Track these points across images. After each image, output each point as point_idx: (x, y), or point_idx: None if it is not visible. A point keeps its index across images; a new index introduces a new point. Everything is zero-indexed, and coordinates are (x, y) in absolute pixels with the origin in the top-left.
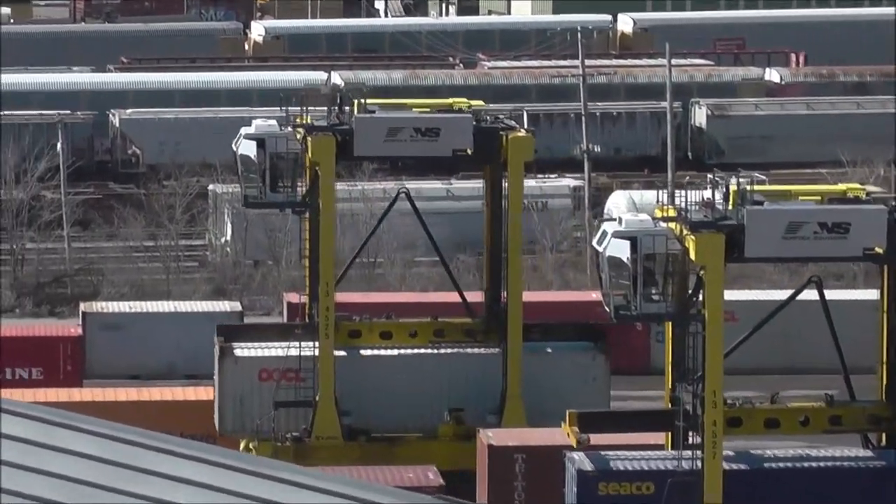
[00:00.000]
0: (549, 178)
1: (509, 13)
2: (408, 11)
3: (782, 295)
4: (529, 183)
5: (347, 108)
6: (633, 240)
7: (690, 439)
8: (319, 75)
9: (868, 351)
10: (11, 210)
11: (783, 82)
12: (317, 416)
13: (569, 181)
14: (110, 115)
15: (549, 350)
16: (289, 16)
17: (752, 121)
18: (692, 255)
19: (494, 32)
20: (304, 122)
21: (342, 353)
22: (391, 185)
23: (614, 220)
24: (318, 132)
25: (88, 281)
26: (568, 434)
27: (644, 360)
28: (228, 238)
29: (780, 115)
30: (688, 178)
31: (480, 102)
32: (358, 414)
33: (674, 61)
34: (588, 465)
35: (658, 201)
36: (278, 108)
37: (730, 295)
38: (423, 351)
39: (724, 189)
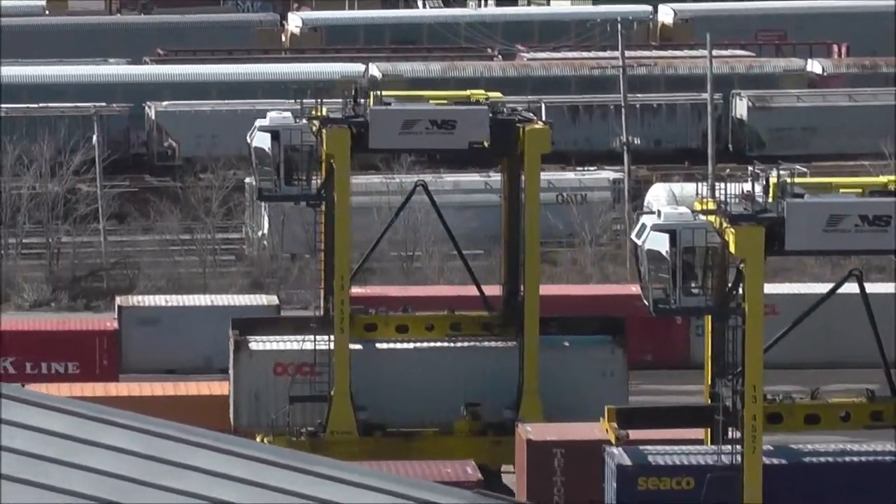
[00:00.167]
0: (588, 170)
1: (549, 4)
2: (446, 2)
3: (824, 288)
4: (568, 175)
5: (363, 100)
6: (673, 233)
7: (730, 434)
8: (357, 67)
9: None
10: (47, 203)
11: (825, 73)
12: (332, 410)
13: (608, 174)
14: (146, 108)
15: (567, 344)
16: (326, 7)
17: (793, 112)
18: (732, 249)
19: (534, 23)
20: (320, 114)
21: (358, 346)
22: (429, 177)
23: (653, 212)
24: (333, 124)
25: (124, 275)
26: (607, 430)
27: (684, 353)
28: (265, 231)
29: (821, 107)
30: (728, 170)
31: (498, 94)
32: (373, 408)
33: (715, 52)
34: (627, 460)
35: (698, 194)
36: (314, 101)
37: (770, 288)
38: (438, 344)
39: (765, 181)
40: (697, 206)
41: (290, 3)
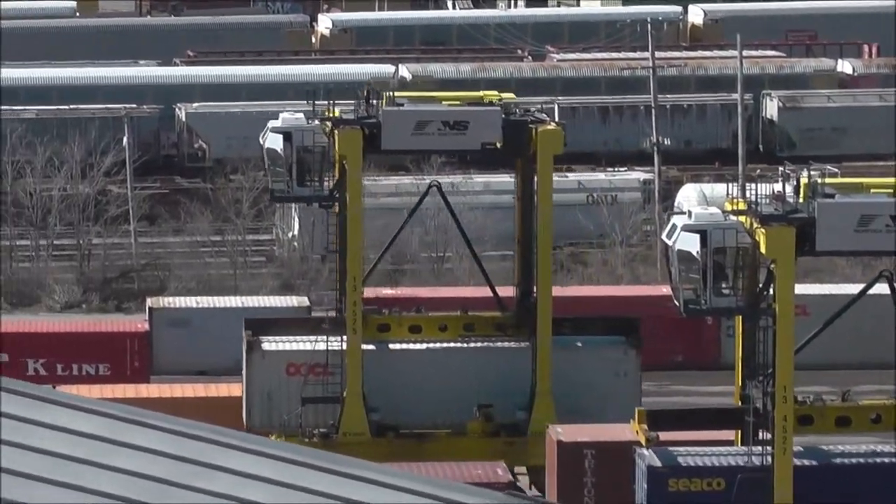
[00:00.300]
0: (618, 171)
1: (578, 5)
2: (476, 3)
3: (854, 289)
4: (599, 176)
5: (376, 101)
6: (703, 233)
7: (760, 435)
8: (387, 68)
9: None
10: (78, 205)
11: (855, 73)
12: (344, 412)
13: (639, 174)
14: (177, 109)
15: (580, 344)
16: (356, 8)
17: (824, 113)
18: (763, 249)
19: (563, 24)
20: (332, 115)
21: (370, 347)
22: (459, 177)
23: (684, 213)
24: (345, 125)
25: (155, 276)
26: (637, 432)
27: (714, 354)
28: (296, 233)
29: (852, 107)
30: (759, 170)
31: (511, 95)
32: (386, 410)
33: (745, 53)
34: (658, 462)
35: (728, 194)
36: (348, 102)
37: (801, 289)
38: (451, 345)
39: (795, 182)
40: (728, 207)
41: (320, 5)
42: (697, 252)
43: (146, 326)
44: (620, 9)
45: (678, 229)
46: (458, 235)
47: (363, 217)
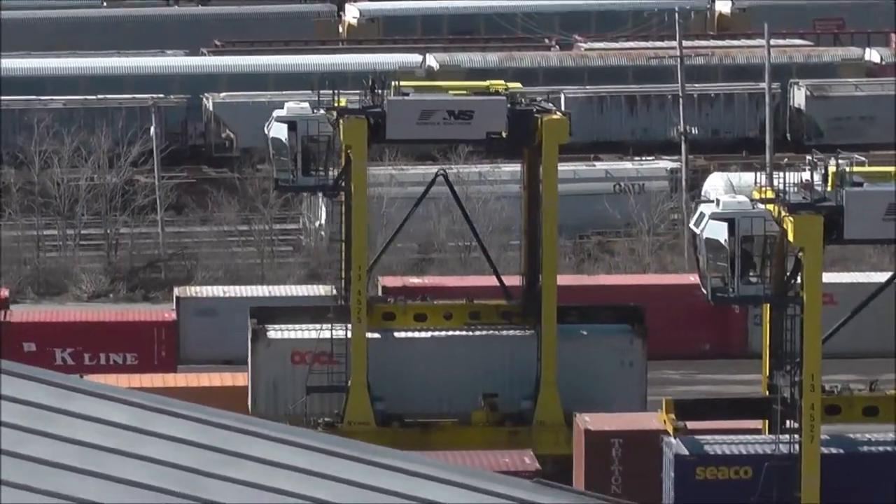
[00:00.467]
0: (646, 160)
1: None
2: None
3: (883, 277)
4: (626, 165)
5: (381, 90)
6: (731, 221)
7: (788, 424)
8: (414, 58)
9: None
10: (105, 194)
11: (883, 62)
12: (349, 401)
13: (666, 163)
14: (204, 99)
15: (585, 333)
16: None
17: (851, 101)
18: (790, 237)
19: (591, 14)
20: (338, 104)
21: (375, 335)
22: (487, 167)
23: (712, 201)
24: (350, 115)
25: (182, 266)
26: (664, 422)
27: (742, 343)
28: (323, 222)
29: (880, 96)
30: (786, 159)
31: (518, 85)
32: (391, 399)
33: (772, 42)
34: (685, 450)
35: (756, 183)
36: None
37: (829, 277)
38: (455, 333)
39: (823, 170)
40: (756, 195)
41: None
42: (725, 240)
43: (173, 316)
44: None
45: (706, 217)
46: (486, 225)
47: (368, 206)
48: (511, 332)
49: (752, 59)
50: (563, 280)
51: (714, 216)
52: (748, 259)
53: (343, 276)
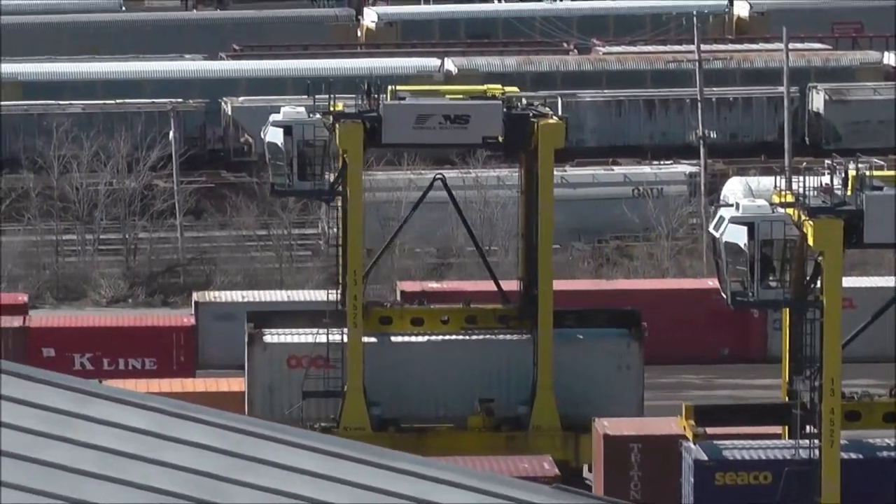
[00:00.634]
0: (664, 164)
1: None
2: None
3: None
4: (645, 169)
5: (378, 95)
6: (751, 225)
7: (807, 429)
8: (432, 62)
9: None
10: (124, 199)
11: None
12: (345, 406)
13: (684, 167)
14: (222, 103)
15: (581, 337)
16: (402, 1)
17: (870, 105)
18: (810, 241)
19: (609, 17)
20: (334, 108)
21: (372, 339)
22: (504, 171)
23: (731, 205)
24: (346, 119)
25: (201, 270)
26: (684, 428)
27: (761, 347)
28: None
29: None
30: (805, 163)
31: (515, 89)
32: (387, 403)
33: (791, 45)
34: (704, 455)
35: (776, 187)
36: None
37: (848, 282)
38: (451, 337)
39: (843, 174)
40: (775, 199)
41: None
42: (745, 244)
43: (192, 321)
44: (666, 1)
45: (726, 221)
46: (504, 229)
47: (363, 211)
48: (507, 337)
49: (771, 62)
50: (581, 284)
51: (734, 220)
52: (768, 263)
53: (340, 280)
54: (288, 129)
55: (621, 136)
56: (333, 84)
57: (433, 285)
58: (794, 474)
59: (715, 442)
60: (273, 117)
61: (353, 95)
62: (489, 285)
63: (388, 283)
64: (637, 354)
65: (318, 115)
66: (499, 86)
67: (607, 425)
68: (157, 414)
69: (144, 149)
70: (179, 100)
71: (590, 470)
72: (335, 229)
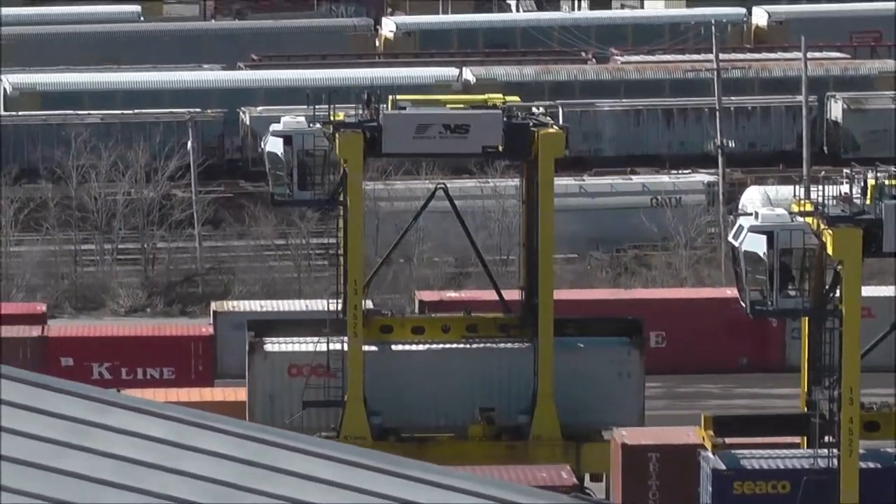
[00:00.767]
0: (682, 173)
1: (642, 7)
2: (539, 6)
3: None
4: (663, 179)
5: (379, 104)
6: (770, 234)
7: (826, 439)
8: (451, 71)
9: None
10: (143, 209)
11: None
12: (345, 415)
13: (703, 177)
14: (241, 113)
15: (581, 345)
16: (420, 11)
17: (888, 114)
18: (829, 250)
19: (627, 26)
20: (335, 118)
21: (372, 347)
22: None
23: (750, 214)
24: (346, 129)
25: (219, 280)
26: (703, 438)
27: (780, 357)
28: None
29: None
30: (823, 172)
31: (516, 98)
32: (387, 413)
33: (809, 55)
34: (723, 464)
35: (795, 196)
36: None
37: (867, 291)
38: (452, 346)
39: (862, 183)
40: (794, 208)
41: (384, 8)
42: (764, 253)
43: (210, 330)
44: (684, 10)
45: (745, 230)
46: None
47: (364, 220)
48: (508, 346)
49: (789, 71)
50: (599, 294)
51: (753, 229)
52: (787, 272)
53: (340, 289)
54: (288, 139)
55: (639, 146)
56: (350, 94)
57: (451, 294)
58: (813, 483)
59: (733, 451)
60: (273, 127)
61: (353, 105)
62: (508, 294)
63: (406, 293)
64: (638, 363)
65: (318, 125)
66: (499, 95)
67: (625, 434)
68: (176, 423)
69: (163, 159)
70: (198, 110)
71: (591, 480)
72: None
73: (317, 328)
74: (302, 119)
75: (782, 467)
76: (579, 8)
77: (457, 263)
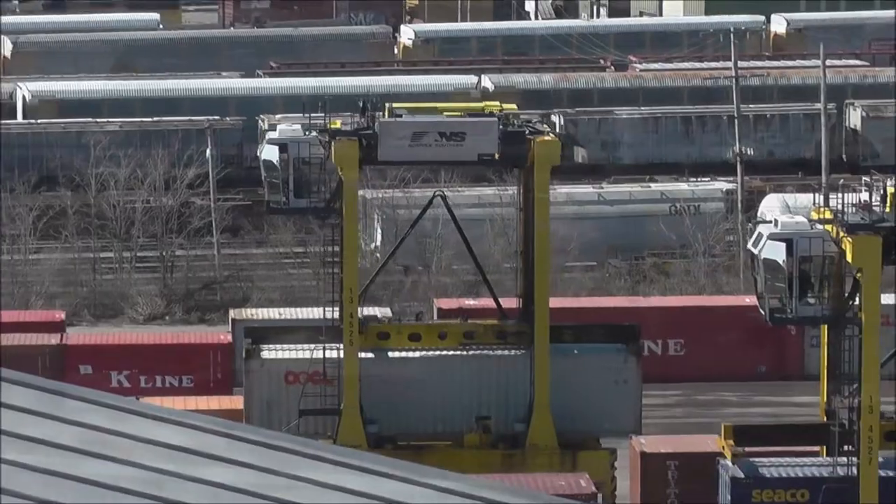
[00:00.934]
0: (701, 181)
1: (661, 14)
2: (558, 14)
3: None
4: (682, 186)
5: (376, 112)
6: (789, 242)
7: (845, 447)
8: (469, 79)
9: None
10: (161, 217)
11: None
12: (341, 423)
13: (721, 184)
14: (259, 121)
15: (577, 352)
16: (438, 19)
17: None
18: (849, 258)
19: (646, 34)
20: (330, 126)
21: (369, 355)
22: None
23: (770, 222)
24: (342, 136)
25: (238, 288)
26: (723, 448)
27: (798, 365)
28: (378, 244)
29: None
30: (842, 180)
31: (513, 106)
32: (384, 421)
33: (828, 62)
34: (741, 473)
35: (814, 203)
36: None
37: (886, 298)
38: (447, 353)
39: (881, 191)
40: (814, 216)
41: (402, 16)
42: (783, 261)
43: (229, 338)
44: (703, 18)
45: (764, 238)
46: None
47: (358, 228)
48: (504, 353)
49: (808, 79)
50: (617, 301)
51: (772, 236)
52: (806, 279)
53: (338, 296)
54: (283, 147)
55: (658, 154)
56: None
57: (470, 302)
58: (832, 492)
59: (751, 459)
60: (269, 135)
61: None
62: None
63: (425, 301)
64: (634, 369)
65: (314, 133)
66: (496, 103)
67: (644, 443)
68: (195, 431)
69: (181, 166)
70: (216, 117)
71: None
72: (374, 246)
73: (315, 335)
74: (298, 127)
75: (801, 475)
76: (598, 16)
77: (475, 271)
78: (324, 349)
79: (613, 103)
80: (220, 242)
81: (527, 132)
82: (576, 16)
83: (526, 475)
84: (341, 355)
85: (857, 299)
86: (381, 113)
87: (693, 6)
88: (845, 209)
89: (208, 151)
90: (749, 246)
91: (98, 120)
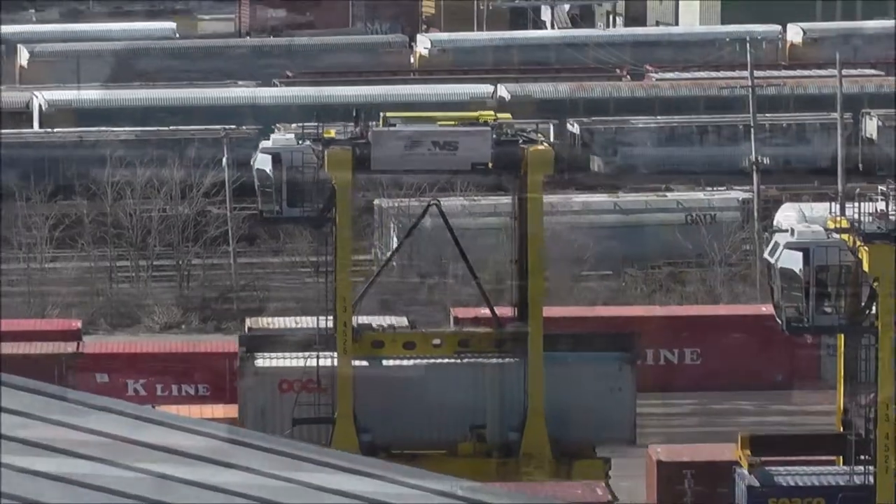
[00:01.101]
0: (717, 190)
1: (677, 23)
2: (574, 23)
3: None
4: (698, 196)
5: (370, 122)
6: (806, 251)
7: (862, 456)
8: (486, 88)
9: None
10: (177, 226)
11: None
12: (334, 432)
13: (737, 194)
14: (276, 130)
15: (571, 360)
16: (455, 28)
17: None
18: (866, 267)
19: (662, 44)
20: (324, 135)
21: (363, 363)
22: (557, 197)
23: (786, 231)
24: (335, 146)
25: (254, 296)
26: (740, 458)
27: (815, 373)
28: None
29: None
30: (859, 189)
31: (507, 116)
32: (378, 429)
33: (844, 72)
34: (757, 481)
35: (830, 212)
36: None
37: None
38: (441, 361)
39: None
40: (830, 225)
41: (418, 25)
42: (800, 270)
43: None
44: (719, 27)
45: (781, 247)
46: (559, 255)
47: (352, 238)
48: (498, 361)
49: (824, 88)
50: (634, 311)
51: (789, 245)
52: (823, 289)
53: (332, 305)
54: (276, 157)
55: (674, 162)
56: (385, 110)
57: (486, 311)
58: (848, 500)
59: (768, 468)
60: (262, 144)
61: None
62: (546, 311)
63: (441, 310)
64: (629, 377)
65: (307, 142)
66: (490, 112)
67: (660, 451)
68: (211, 439)
69: (197, 175)
70: (232, 126)
71: None
72: (381, 253)
73: (309, 344)
74: (291, 136)
75: (817, 484)
76: (614, 25)
77: (493, 280)
78: (317, 358)
79: (629, 112)
80: (236, 251)
81: (520, 141)
82: (592, 25)
83: (541, 483)
84: (335, 364)
85: (874, 308)
86: (375, 122)
87: (709, 15)
88: (861, 218)
89: (224, 160)
90: (766, 255)
91: (114, 129)
